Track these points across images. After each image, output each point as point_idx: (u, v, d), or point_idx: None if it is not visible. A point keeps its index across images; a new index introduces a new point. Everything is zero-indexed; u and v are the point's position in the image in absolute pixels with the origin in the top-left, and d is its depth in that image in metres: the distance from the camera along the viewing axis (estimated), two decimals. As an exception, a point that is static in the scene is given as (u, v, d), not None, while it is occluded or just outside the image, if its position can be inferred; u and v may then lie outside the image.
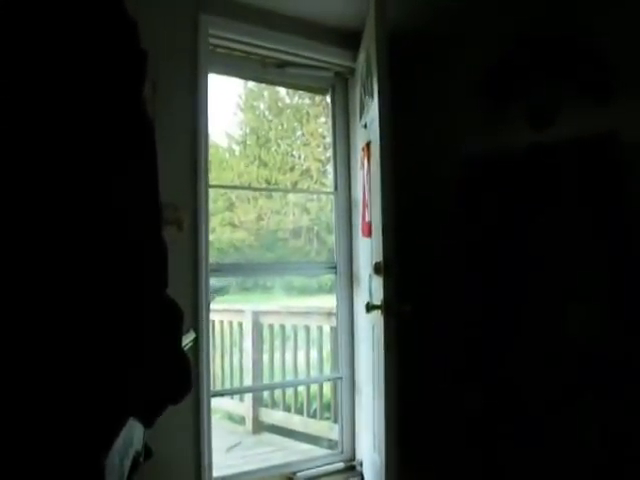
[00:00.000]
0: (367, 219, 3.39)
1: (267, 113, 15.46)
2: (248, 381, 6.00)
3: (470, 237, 3.50)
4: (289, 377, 5.77)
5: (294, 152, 15.52)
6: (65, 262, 0.86)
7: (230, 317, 6.21)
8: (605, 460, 2.89)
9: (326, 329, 5.18)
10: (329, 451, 4.28)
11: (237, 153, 15.55)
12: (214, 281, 3.35)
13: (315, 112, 14.45)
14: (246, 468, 3.78)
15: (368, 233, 3.34)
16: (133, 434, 0.97)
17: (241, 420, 6.06)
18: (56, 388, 0.85)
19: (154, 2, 2.93)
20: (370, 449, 3.39)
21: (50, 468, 0.85)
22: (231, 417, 6.32)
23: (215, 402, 3.48)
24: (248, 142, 15.55)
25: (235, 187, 15.19)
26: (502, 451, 3.25)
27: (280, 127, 15.48)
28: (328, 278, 4.39)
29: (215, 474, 3.22)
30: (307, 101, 14.50)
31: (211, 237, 3.32)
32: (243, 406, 5.95)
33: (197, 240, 3.12)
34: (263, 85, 11.36)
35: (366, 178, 3.41)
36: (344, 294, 3.96)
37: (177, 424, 2.94)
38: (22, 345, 0.84)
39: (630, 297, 2.87)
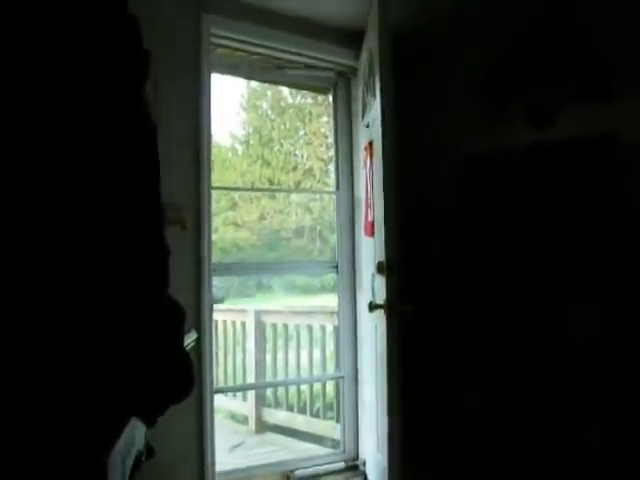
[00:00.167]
0: (370, 218, 3.39)
1: (270, 112, 15.46)
2: (251, 380, 6.00)
3: (470, 237, 3.50)
4: (292, 377, 5.77)
5: (297, 151, 15.53)
6: (65, 263, 0.86)
7: (233, 317, 6.21)
8: (605, 460, 2.88)
9: (329, 328, 5.18)
10: (330, 450, 4.29)
11: (240, 152, 15.56)
12: (216, 281, 3.35)
13: (318, 111, 14.45)
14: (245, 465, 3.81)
15: (371, 232, 3.34)
16: (135, 433, 0.97)
17: (244, 420, 6.07)
18: (58, 388, 0.85)
19: (157, 2, 2.93)
20: (373, 449, 3.39)
21: (53, 468, 0.85)
22: (234, 417, 6.33)
23: (218, 402, 3.49)
24: (251, 141, 15.56)
25: (237, 189, 15.19)
26: (503, 451, 3.25)
27: (283, 126, 15.48)
28: (331, 277, 4.39)
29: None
30: (310, 100, 14.50)
31: (214, 237, 3.32)
32: (246, 406, 5.95)
33: (200, 240, 3.12)
34: (266, 85, 11.36)
35: (369, 177, 3.41)
36: (346, 293, 3.96)
37: (180, 423, 2.94)
38: (23, 346, 0.84)
39: (630, 297, 2.87)
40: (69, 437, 0.86)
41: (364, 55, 3.46)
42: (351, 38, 3.66)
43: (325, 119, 12.97)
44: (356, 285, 3.93)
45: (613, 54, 2.95)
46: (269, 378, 5.99)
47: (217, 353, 5.74)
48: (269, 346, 5.94)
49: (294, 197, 14.86)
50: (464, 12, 3.42)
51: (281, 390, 5.81)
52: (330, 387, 5.20)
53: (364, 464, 3.73)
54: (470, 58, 3.56)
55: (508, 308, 3.29)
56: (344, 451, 3.91)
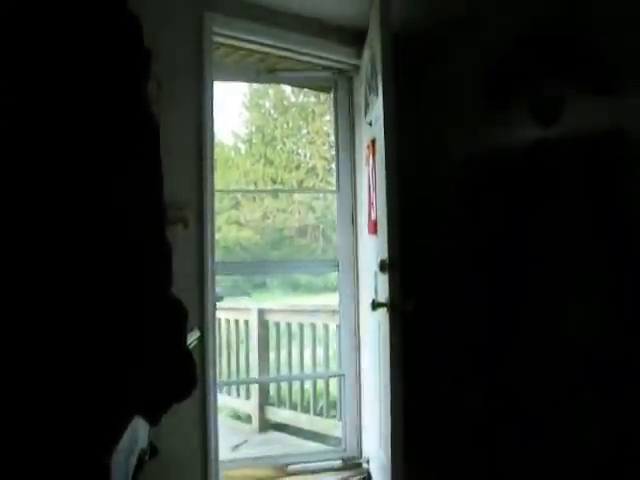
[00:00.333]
0: (373, 217, 3.39)
1: (272, 111, 15.48)
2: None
3: (472, 236, 3.50)
4: (294, 375, 5.79)
5: (299, 150, 15.55)
6: (65, 262, 0.87)
7: (236, 315, 6.22)
8: (605, 460, 2.88)
9: (332, 327, 5.19)
10: (330, 447, 4.32)
11: (243, 151, 15.58)
12: (218, 279, 3.36)
13: (320, 110, 14.46)
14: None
15: (374, 231, 3.34)
16: (138, 432, 0.97)
17: (247, 418, 6.07)
18: (60, 388, 0.86)
19: (158, 0, 2.93)
20: (376, 447, 3.39)
21: (56, 468, 0.86)
22: (237, 415, 6.33)
23: (222, 400, 3.50)
24: (254, 140, 15.58)
25: (239, 190, 15.20)
26: (503, 450, 3.24)
27: (285, 125, 15.49)
28: (334, 276, 4.40)
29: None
30: (312, 99, 14.51)
31: (217, 236, 3.33)
32: (249, 404, 5.96)
33: (203, 239, 3.12)
34: (268, 84, 11.36)
35: (371, 175, 3.41)
36: (347, 292, 3.97)
37: (183, 421, 2.94)
38: (24, 346, 0.85)
39: (631, 297, 2.86)
40: (72, 436, 0.86)
41: (366, 53, 3.46)
42: (353, 36, 3.66)
43: (328, 117, 12.98)
44: (358, 284, 3.93)
45: (618, 49, 2.94)
46: (272, 376, 6.00)
47: (220, 352, 5.75)
48: (272, 345, 5.94)
49: (297, 196, 14.88)
50: (465, 10, 3.41)
51: (284, 389, 5.82)
52: (333, 385, 5.21)
53: (367, 462, 3.74)
54: (472, 56, 3.55)
55: (510, 307, 3.28)
56: (345, 449, 3.92)
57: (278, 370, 5.97)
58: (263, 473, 3.73)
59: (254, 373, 5.97)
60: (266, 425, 5.84)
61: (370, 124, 3.46)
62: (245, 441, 5.34)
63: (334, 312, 4.68)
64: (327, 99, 4.87)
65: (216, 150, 3.32)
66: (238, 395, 6.14)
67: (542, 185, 3.22)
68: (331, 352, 5.28)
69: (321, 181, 14.32)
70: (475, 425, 3.39)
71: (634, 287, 2.84)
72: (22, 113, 0.87)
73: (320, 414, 5.44)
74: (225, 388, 6.02)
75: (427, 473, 3.33)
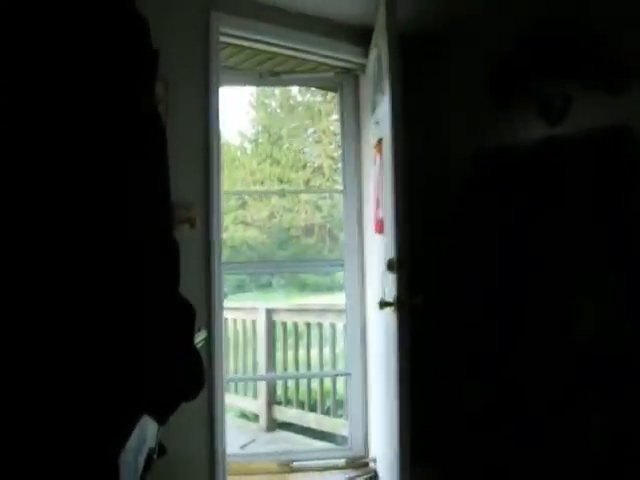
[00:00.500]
0: (380, 215, 3.38)
1: (279, 111, 15.48)
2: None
3: (477, 235, 3.49)
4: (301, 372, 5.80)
5: (306, 149, 15.54)
6: (73, 263, 0.87)
7: (243, 315, 6.23)
8: (606, 460, 2.87)
9: (339, 327, 5.19)
10: (336, 446, 4.33)
11: (249, 151, 15.58)
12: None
13: (327, 109, 14.45)
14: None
15: (380, 230, 3.34)
16: (147, 431, 0.97)
17: (255, 418, 6.08)
18: (69, 387, 0.86)
19: (165, 0, 2.93)
20: (383, 446, 3.39)
21: (65, 466, 0.86)
22: (245, 415, 6.34)
23: (229, 400, 3.50)
24: (260, 140, 15.57)
25: (245, 192, 15.20)
26: (510, 449, 3.24)
27: (292, 125, 15.48)
28: (341, 276, 4.41)
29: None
30: (319, 98, 14.50)
31: (223, 236, 3.33)
32: (257, 404, 5.97)
33: (210, 239, 3.13)
34: (274, 83, 11.34)
35: (378, 174, 3.41)
36: (353, 291, 3.97)
37: (191, 420, 2.95)
38: (31, 343, 0.85)
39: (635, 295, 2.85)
40: (81, 435, 0.86)
41: (373, 52, 3.46)
42: (360, 35, 3.66)
43: (334, 117, 12.97)
44: (365, 283, 3.93)
45: (626, 45, 2.93)
46: (279, 374, 6.02)
47: (228, 352, 5.76)
48: (280, 344, 5.95)
49: (303, 195, 14.87)
50: (471, 9, 3.41)
51: (292, 388, 5.82)
52: (340, 385, 5.21)
53: (374, 461, 3.74)
54: (479, 55, 3.54)
55: (517, 305, 3.28)
56: (351, 447, 3.93)
57: (285, 370, 5.98)
58: (268, 469, 3.76)
59: (262, 373, 5.99)
60: (273, 424, 5.85)
61: (377, 123, 3.45)
62: (253, 440, 5.35)
63: (341, 311, 4.68)
64: (334, 98, 4.87)
65: (222, 150, 3.32)
66: (246, 394, 6.15)
67: (548, 183, 3.21)
68: (338, 351, 5.28)
69: (328, 180, 14.30)
70: (482, 423, 3.39)
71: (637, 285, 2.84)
72: (29, 112, 0.87)
73: (327, 413, 5.45)
74: (233, 388, 6.03)
75: (434, 472, 3.33)
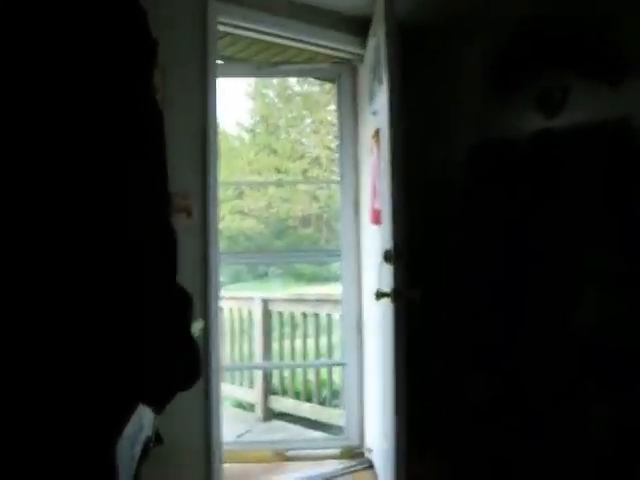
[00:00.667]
0: (376, 206, 3.38)
1: (276, 101, 15.46)
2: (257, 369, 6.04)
3: (475, 226, 3.49)
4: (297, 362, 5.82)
5: (303, 140, 15.52)
6: (71, 251, 0.87)
7: (240, 305, 6.23)
8: (611, 452, 2.88)
9: (335, 317, 5.20)
10: (331, 435, 4.35)
11: (247, 141, 15.57)
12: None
13: (325, 99, 14.43)
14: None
15: (377, 220, 3.34)
16: (143, 419, 0.98)
17: (251, 407, 6.09)
18: (66, 376, 0.86)
19: (163, -11, 2.92)
20: (379, 436, 3.40)
21: (62, 454, 0.86)
22: (241, 405, 6.36)
23: (225, 389, 3.51)
24: (258, 130, 15.56)
25: (243, 182, 15.18)
26: (506, 439, 3.25)
27: (289, 115, 15.47)
28: (337, 266, 4.42)
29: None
30: (316, 89, 14.48)
31: (220, 225, 3.33)
32: (253, 393, 5.98)
33: (206, 228, 3.13)
34: (272, 73, 11.31)
35: (375, 165, 3.41)
36: (350, 281, 3.98)
37: (187, 408, 2.96)
38: (29, 333, 0.85)
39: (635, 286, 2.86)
40: (78, 423, 0.87)
41: (371, 42, 3.45)
42: (358, 25, 3.65)
43: (332, 107, 12.95)
44: (361, 273, 3.94)
45: (623, 38, 2.93)
46: (275, 363, 6.03)
47: (224, 341, 5.76)
48: (276, 334, 5.95)
49: (301, 185, 14.86)
50: (470, 0, 3.40)
51: (288, 378, 5.83)
52: (337, 375, 5.22)
53: (370, 451, 3.75)
54: (477, 45, 3.54)
55: (515, 298, 3.28)
56: (347, 437, 3.95)
57: (281, 359, 5.99)
58: (264, 457, 3.79)
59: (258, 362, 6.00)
60: (270, 414, 5.86)
61: (374, 113, 3.45)
62: (249, 430, 5.37)
63: (337, 302, 4.69)
64: (332, 88, 4.86)
65: (220, 139, 3.31)
66: (242, 384, 6.16)
67: (547, 175, 3.21)
68: (334, 342, 5.29)
69: (325, 171, 14.30)
70: (478, 414, 3.40)
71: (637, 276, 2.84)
72: (28, 103, 0.87)
73: (323, 403, 5.46)
74: (229, 377, 6.04)
75: (430, 462, 3.34)
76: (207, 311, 3.10)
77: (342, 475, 3.62)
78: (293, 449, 3.88)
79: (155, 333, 0.96)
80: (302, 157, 15.11)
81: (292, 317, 5.75)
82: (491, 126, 3.47)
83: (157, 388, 0.99)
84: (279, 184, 15.80)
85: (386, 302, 2.96)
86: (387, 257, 2.96)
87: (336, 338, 5.18)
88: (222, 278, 3.57)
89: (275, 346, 6.00)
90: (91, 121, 0.89)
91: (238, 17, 3.34)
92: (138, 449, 0.98)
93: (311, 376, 5.62)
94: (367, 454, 3.80)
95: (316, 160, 14.97)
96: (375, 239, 3.46)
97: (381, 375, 3.28)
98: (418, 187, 3.42)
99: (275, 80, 14.66)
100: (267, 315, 5.99)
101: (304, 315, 5.58)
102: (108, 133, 0.90)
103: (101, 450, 0.89)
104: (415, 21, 3.50)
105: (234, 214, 14.35)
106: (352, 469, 3.68)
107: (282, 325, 5.93)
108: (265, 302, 6.01)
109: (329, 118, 14.15)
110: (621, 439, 2.88)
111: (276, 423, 5.73)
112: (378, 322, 3.37)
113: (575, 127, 3.10)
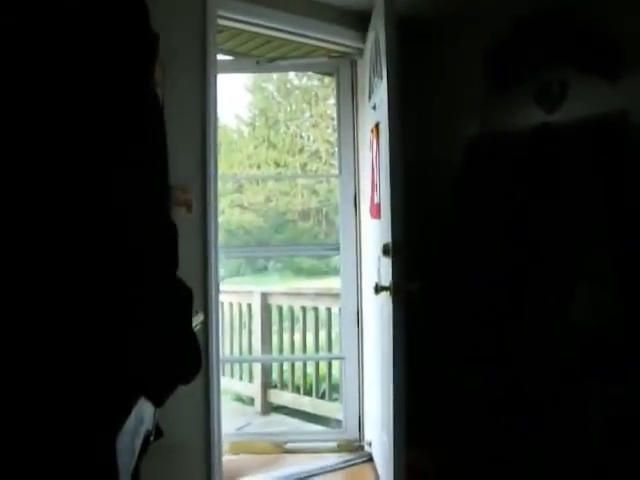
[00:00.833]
0: (376, 200, 3.38)
1: (276, 94, 15.41)
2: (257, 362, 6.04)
3: (475, 220, 3.50)
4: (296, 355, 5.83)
5: (303, 134, 15.48)
6: (69, 244, 0.87)
7: (239, 298, 6.23)
8: (608, 446, 2.89)
9: (334, 310, 5.20)
10: (330, 429, 4.36)
11: (246, 135, 15.53)
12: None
13: (324, 93, 14.40)
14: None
15: (376, 214, 3.34)
16: (144, 413, 0.98)
17: (250, 401, 6.10)
18: (66, 369, 0.86)
19: (162, -17, 2.91)
20: (378, 429, 3.41)
21: (63, 448, 0.86)
22: (241, 398, 6.36)
23: (225, 383, 3.52)
24: (257, 123, 15.52)
25: (241, 176, 15.14)
26: (504, 432, 3.26)
27: (289, 108, 15.43)
28: (337, 260, 4.42)
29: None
30: (316, 82, 14.44)
31: (220, 219, 3.33)
32: (252, 387, 5.99)
33: (206, 222, 3.12)
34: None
35: (375, 159, 3.41)
36: (349, 275, 3.98)
37: (187, 402, 2.96)
38: (29, 327, 0.85)
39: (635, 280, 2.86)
40: (78, 418, 0.87)
41: (370, 36, 3.44)
42: (357, 19, 3.64)
43: (332, 101, 12.91)
44: (361, 267, 3.94)
45: (624, 33, 2.92)
46: (274, 356, 6.04)
47: (223, 335, 5.76)
48: (275, 328, 5.95)
49: (300, 179, 14.84)
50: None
51: (287, 372, 5.83)
52: (336, 369, 5.23)
53: (369, 444, 3.76)
54: (476, 39, 3.53)
55: (514, 291, 3.29)
56: (346, 431, 3.96)
57: (281, 353, 5.99)
58: (263, 449, 3.81)
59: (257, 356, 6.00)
60: (269, 408, 5.87)
61: (374, 107, 3.44)
62: (248, 423, 5.37)
63: (336, 295, 4.69)
64: (331, 82, 4.86)
65: (219, 133, 3.31)
66: (241, 378, 6.17)
67: (546, 168, 3.21)
68: (334, 335, 5.29)
69: (324, 164, 14.27)
70: (477, 407, 3.41)
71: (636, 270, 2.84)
72: (29, 97, 0.87)
73: (322, 397, 5.47)
74: (228, 371, 6.05)
75: (429, 455, 3.35)
76: (207, 305, 3.10)
77: (341, 468, 3.63)
78: (292, 442, 3.90)
79: (155, 327, 0.96)
80: (301, 151, 15.08)
81: (291, 311, 5.75)
82: (490, 120, 3.47)
83: (157, 381, 1.00)
84: (278, 178, 15.77)
85: (385, 296, 2.96)
86: (386, 251, 2.96)
87: (335, 332, 5.18)
88: (221, 272, 3.57)
89: (274, 340, 5.99)
90: (91, 115, 0.89)
91: (238, 11, 3.33)
92: (138, 443, 0.99)
93: (310, 370, 5.62)
94: (366, 447, 3.81)
95: (315, 154, 14.95)
96: (374, 233, 3.46)
97: (380, 369, 3.29)
98: (417, 181, 3.43)
99: (274, 74, 14.62)
100: (266, 309, 5.98)
101: (303, 309, 5.57)
102: (108, 127, 0.90)
103: (102, 444, 0.89)
104: (414, 15, 3.49)
105: (233, 208, 14.33)
106: (351, 462, 3.69)
107: (281, 319, 5.93)
108: (264, 296, 6.00)
109: (329, 112, 14.11)
110: (620, 432, 2.89)
111: (275, 416, 5.74)
112: (377, 316, 3.37)
113: (574, 121, 3.10)
